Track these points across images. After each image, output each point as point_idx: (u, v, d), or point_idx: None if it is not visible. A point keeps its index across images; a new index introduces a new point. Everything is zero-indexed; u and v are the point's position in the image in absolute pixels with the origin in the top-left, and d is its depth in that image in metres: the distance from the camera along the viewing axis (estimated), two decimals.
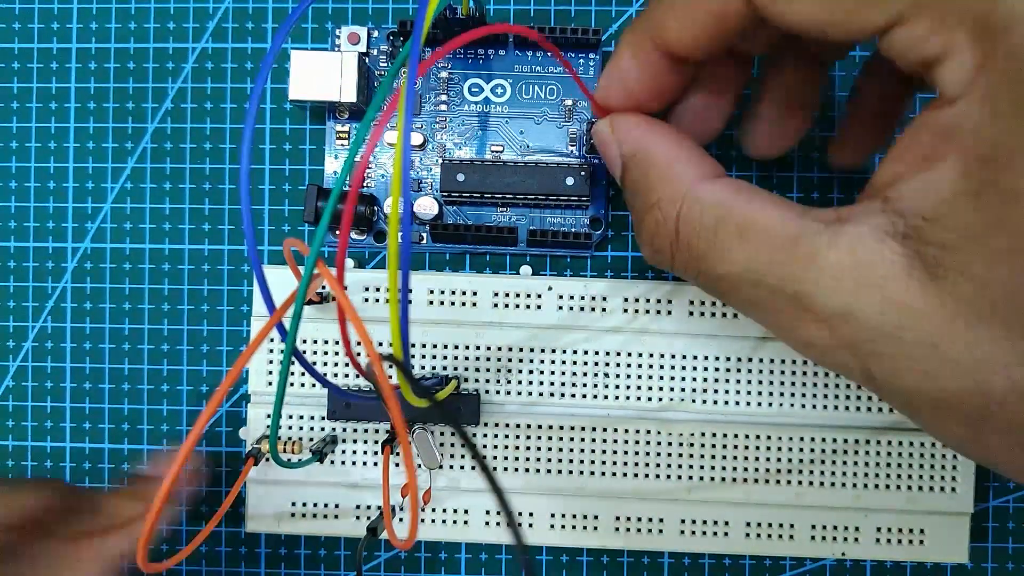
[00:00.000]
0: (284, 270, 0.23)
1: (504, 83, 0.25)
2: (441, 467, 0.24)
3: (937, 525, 0.23)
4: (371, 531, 0.21)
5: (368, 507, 0.24)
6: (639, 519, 0.24)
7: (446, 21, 0.23)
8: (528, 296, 0.23)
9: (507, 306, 0.23)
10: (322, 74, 0.23)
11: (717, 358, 0.23)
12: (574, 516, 0.24)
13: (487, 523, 0.24)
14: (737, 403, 0.23)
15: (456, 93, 0.25)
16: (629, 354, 0.23)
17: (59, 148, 0.26)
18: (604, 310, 0.23)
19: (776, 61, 0.21)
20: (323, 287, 0.23)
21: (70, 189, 0.26)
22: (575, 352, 0.23)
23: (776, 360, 0.23)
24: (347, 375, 0.23)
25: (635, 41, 0.18)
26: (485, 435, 0.24)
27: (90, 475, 0.26)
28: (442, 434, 0.24)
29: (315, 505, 0.24)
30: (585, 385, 0.23)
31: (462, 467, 0.24)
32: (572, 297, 0.23)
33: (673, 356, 0.23)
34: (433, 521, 0.24)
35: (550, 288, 0.23)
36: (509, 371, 0.23)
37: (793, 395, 0.23)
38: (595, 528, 0.24)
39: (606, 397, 0.23)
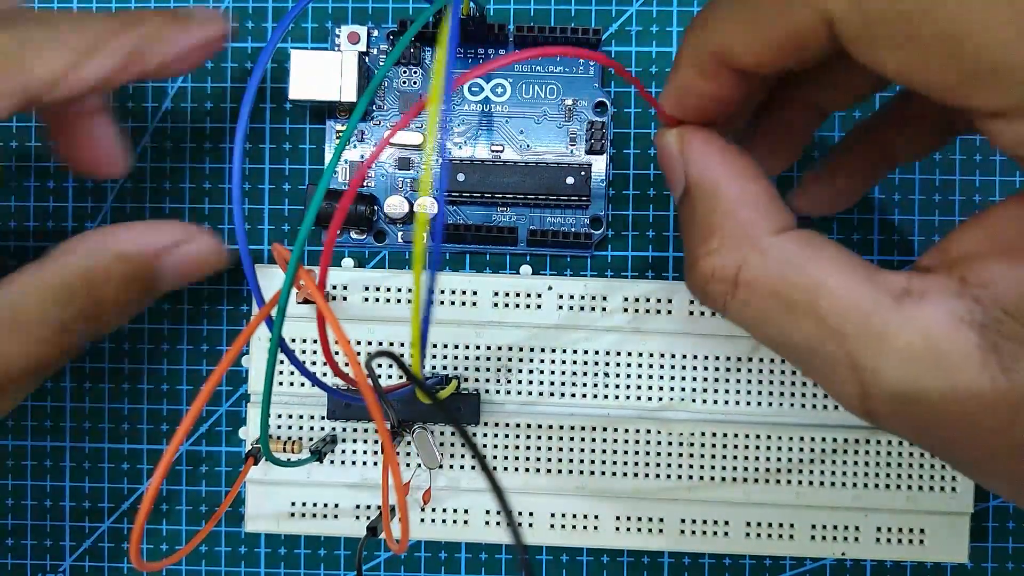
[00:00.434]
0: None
1: (504, 83, 0.25)
2: (441, 467, 0.24)
3: (937, 525, 0.23)
4: (371, 531, 0.21)
5: (368, 507, 0.24)
6: (639, 519, 0.24)
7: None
8: (528, 296, 0.23)
9: (507, 306, 0.23)
10: (322, 74, 0.23)
11: (717, 358, 0.23)
12: (574, 516, 0.24)
13: (487, 523, 0.24)
14: (737, 403, 0.23)
15: (456, 93, 0.25)
16: (629, 354, 0.23)
17: None
18: (604, 310, 0.23)
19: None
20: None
21: (70, 188, 0.26)
22: (575, 352, 0.23)
23: (776, 360, 0.23)
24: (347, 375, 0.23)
25: (695, 54, 0.16)
26: (485, 435, 0.24)
27: (90, 475, 0.26)
28: (442, 434, 0.24)
29: (315, 505, 0.24)
30: (585, 385, 0.23)
31: (462, 467, 0.24)
32: (572, 297, 0.23)
33: (673, 356, 0.23)
34: (433, 521, 0.24)
35: (550, 288, 0.23)
36: (509, 371, 0.23)
37: (793, 395, 0.23)
38: (595, 528, 0.24)
39: (606, 397, 0.23)
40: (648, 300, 0.23)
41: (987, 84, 0.13)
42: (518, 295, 0.23)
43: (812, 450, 0.23)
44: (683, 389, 0.23)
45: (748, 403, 0.23)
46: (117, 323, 0.21)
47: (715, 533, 0.24)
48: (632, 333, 0.23)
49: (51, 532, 0.26)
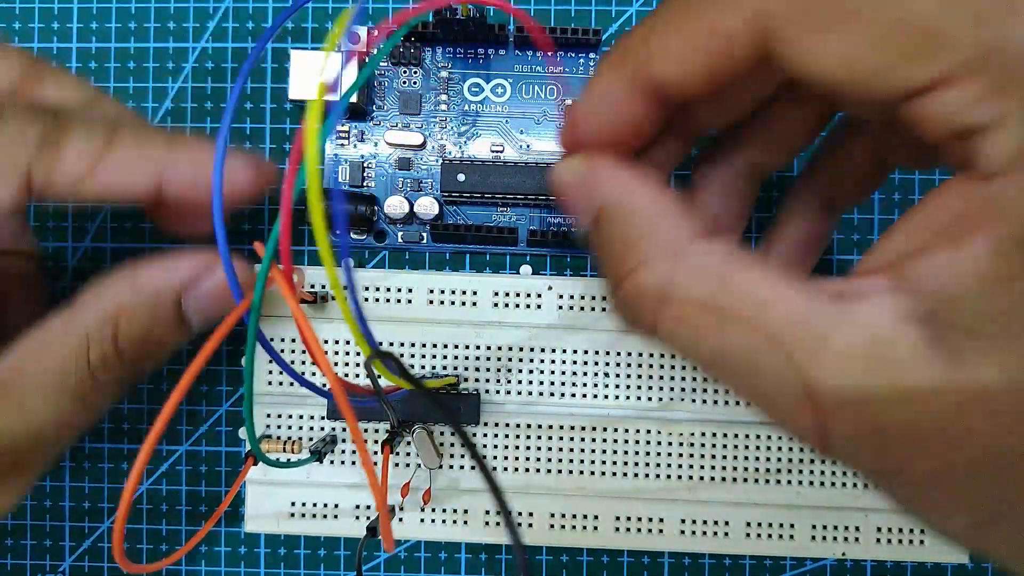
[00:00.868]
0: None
1: (504, 83, 0.25)
2: (441, 467, 0.24)
3: None
4: (371, 531, 0.21)
5: (368, 507, 0.24)
6: (639, 519, 0.24)
7: (447, 21, 0.23)
8: (528, 296, 0.23)
9: (507, 306, 0.23)
10: (322, 73, 0.23)
11: None
12: (574, 516, 0.24)
13: (487, 523, 0.24)
14: (737, 403, 0.23)
15: (456, 93, 0.25)
16: (629, 354, 0.23)
17: None
18: (604, 310, 0.23)
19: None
20: (322, 286, 0.23)
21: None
22: (575, 352, 0.23)
23: None
24: (347, 375, 0.23)
25: (617, 72, 0.15)
26: (485, 435, 0.24)
27: (89, 475, 0.26)
28: (442, 434, 0.24)
29: (315, 505, 0.24)
30: (585, 385, 0.23)
31: (462, 467, 0.24)
32: (572, 297, 0.23)
33: (673, 356, 0.23)
34: (433, 521, 0.24)
35: (550, 288, 0.23)
36: (509, 371, 0.23)
37: None
38: (595, 528, 0.24)
39: (606, 397, 0.23)
40: None
41: (924, 54, 0.12)
42: (518, 295, 0.23)
43: (813, 450, 0.23)
44: (683, 389, 0.23)
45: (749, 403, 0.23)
46: (151, 366, 0.21)
47: (715, 533, 0.24)
48: (632, 333, 0.23)
49: (51, 532, 0.26)
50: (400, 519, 0.24)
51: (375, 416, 0.23)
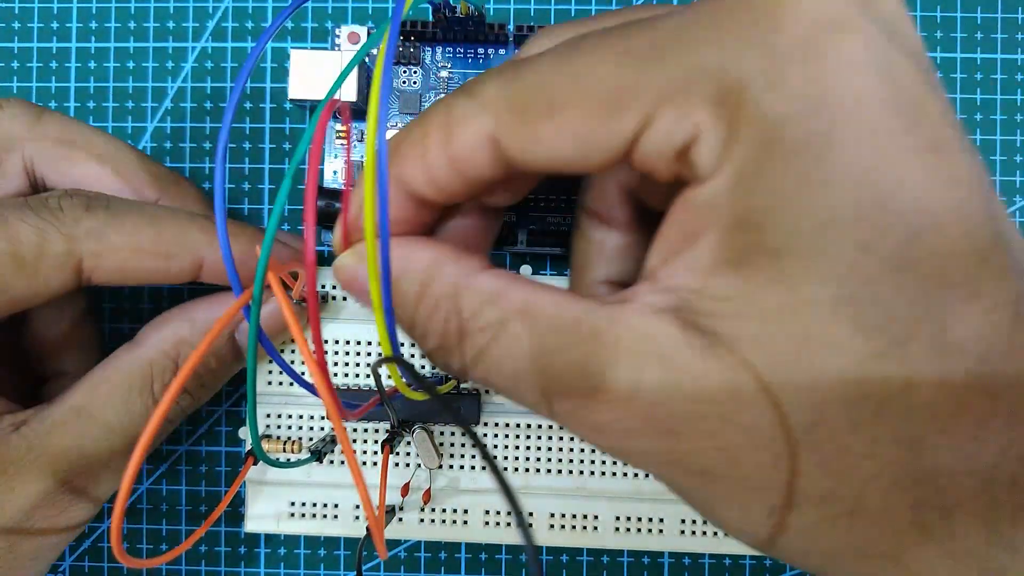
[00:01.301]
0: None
1: None
2: (440, 467, 0.24)
3: None
4: (371, 531, 0.21)
5: None
6: (639, 519, 0.24)
7: (445, 20, 0.23)
8: None
9: None
10: (322, 73, 0.23)
11: None
12: (574, 516, 0.24)
13: (487, 523, 0.24)
14: None
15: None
16: None
17: None
18: None
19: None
20: (322, 286, 0.23)
21: None
22: None
23: None
24: (347, 375, 0.23)
25: (394, 182, 0.17)
26: (485, 435, 0.24)
27: None
28: (441, 434, 0.23)
29: (315, 505, 0.24)
30: None
31: (462, 467, 0.24)
32: None
33: None
34: (433, 521, 0.24)
35: None
36: None
37: None
38: (595, 528, 0.24)
39: None
40: None
41: (616, 111, 0.14)
42: None
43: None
44: None
45: None
46: (209, 394, 0.23)
47: (715, 534, 0.23)
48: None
49: None
50: (400, 519, 0.23)
51: (375, 416, 0.23)
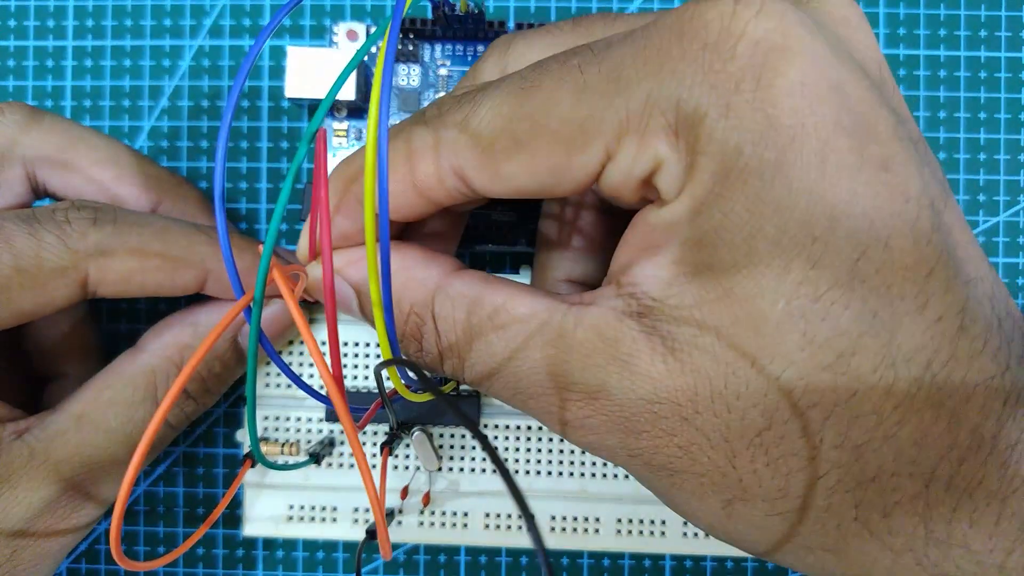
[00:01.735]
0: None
1: None
2: (440, 469, 0.23)
3: None
4: (370, 534, 0.21)
5: (367, 510, 0.24)
6: (641, 521, 0.23)
7: (445, 18, 0.23)
8: None
9: None
10: (320, 71, 0.23)
11: None
12: (575, 518, 0.23)
13: (487, 525, 0.23)
14: None
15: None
16: None
17: None
18: None
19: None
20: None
21: None
22: None
23: None
24: (355, 376, 0.23)
25: (339, 199, 0.17)
26: (485, 436, 0.23)
27: None
28: (441, 436, 0.23)
29: (313, 508, 0.24)
30: None
31: (461, 469, 0.23)
32: None
33: None
34: (432, 524, 0.23)
35: None
36: None
37: None
38: (596, 531, 0.23)
39: None
40: None
41: (580, 146, 0.15)
42: None
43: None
44: None
45: None
46: (213, 399, 0.23)
47: None
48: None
49: None
50: (399, 522, 0.23)
51: (374, 418, 0.23)
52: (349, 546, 0.26)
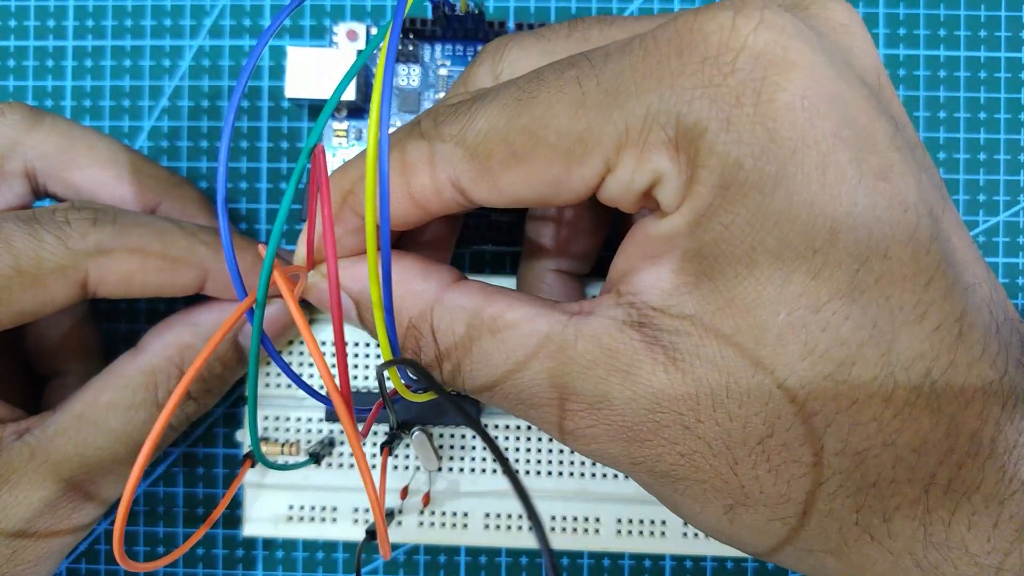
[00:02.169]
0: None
1: None
2: (440, 469, 0.23)
3: None
4: (369, 534, 0.21)
5: (367, 510, 0.24)
6: (641, 521, 0.23)
7: (445, 18, 0.23)
8: None
9: None
10: (320, 71, 0.23)
11: None
12: (575, 519, 0.23)
13: (487, 526, 0.23)
14: None
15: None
16: None
17: None
18: None
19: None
20: None
21: None
22: None
23: None
24: (355, 377, 0.23)
25: (336, 210, 0.17)
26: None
27: None
28: (441, 436, 0.23)
29: (313, 508, 0.23)
30: None
31: (461, 469, 0.23)
32: None
33: None
34: (432, 524, 0.23)
35: None
36: None
37: None
38: (596, 531, 0.23)
39: None
40: None
41: (580, 158, 0.15)
42: None
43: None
44: None
45: None
46: (214, 399, 0.23)
47: None
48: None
49: None
50: (399, 522, 0.23)
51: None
52: (349, 546, 0.26)
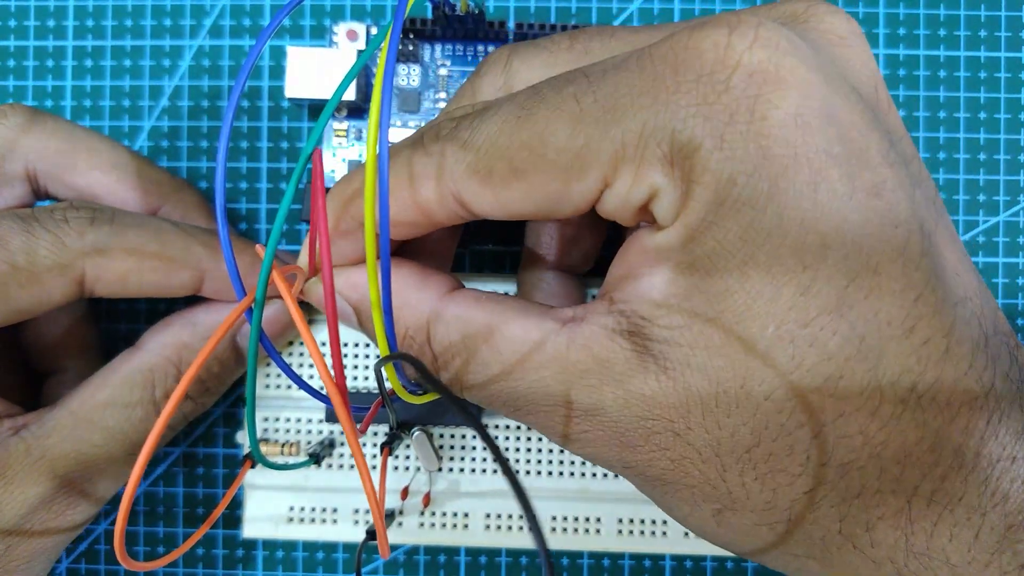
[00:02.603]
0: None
1: None
2: (440, 470, 0.23)
3: None
4: (369, 535, 0.21)
5: (367, 511, 0.23)
6: (642, 521, 0.23)
7: (445, 18, 0.23)
8: None
9: None
10: (320, 71, 0.23)
11: None
12: (575, 519, 0.23)
13: (487, 526, 0.23)
14: None
15: (455, 90, 0.25)
16: None
17: None
18: None
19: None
20: None
21: None
22: None
23: None
24: (355, 377, 0.23)
25: (340, 215, 0.18)
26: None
27: None
28: (441, 436, 0.23)
29: (313, 509, 0.23)
30: None
31: (462, 470, 0.23)
32: None
33: None
34: (432, 525, 0.23)
35: None
36: None
37: None
38: (597, 531, 0.23)
39: None
40: None
41: (577, 174, 0.15)
42: None
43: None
44: None
45: None
46: (212, 399, 0.23)
47: None
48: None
49: None
50: (399, 523, 0.23)
51: (374, 419, 0.23)
52: (349, 547, 0.26)
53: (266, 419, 0.23)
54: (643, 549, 0.23)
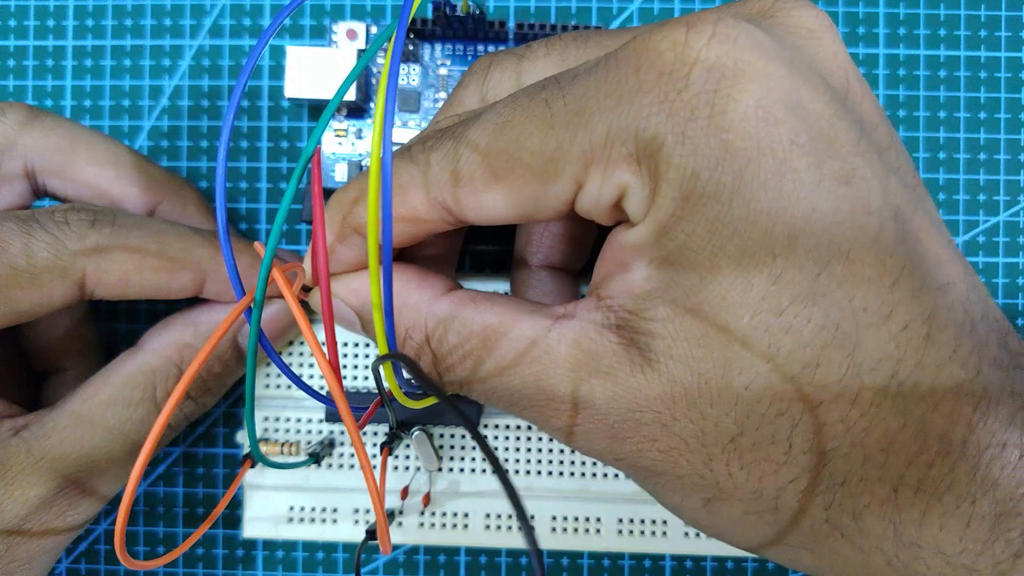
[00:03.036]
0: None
1: None
2: (440, 469, 0.23)
3: None
4: (369, 534, 0.21)
5: (367, 511, 0.24)
6: (641, 521, 0.23)
7: (445, 18, 0.23)
8: None
9: None
10: (319, 71, 0.23)
11: None
12: (575, 519, 0.23)
13: (487, 526, 0.23)
14: None
15: None
16: None
17: None
18: None
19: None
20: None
21: None
22: None
23: None
24: (356, 377, 0.23)
25: (335, 226, 0.18)
26: (485, 436, 0.23)
27: None
28: (441, 436, 0.23)
29: (313, 509, 0.23)
30: None
31: (462, 470, 0.23)
32: None
33: None
34: (432, 525, 0.23)
35: None
36: None
37: None
38: (597, 531, 0.23)
39: None
40: None
41: (553, 176, 0.15)
42: None
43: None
44: None
45: None
46: (214, 399, 0.23)
47: None
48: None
49: None
50: (399, 523, 0.23)
51: (374, 418, 0.23)
52: (349, 547, 0.26)
53: (266, 419, 0.23)
54: (643, 549, 0.23)
